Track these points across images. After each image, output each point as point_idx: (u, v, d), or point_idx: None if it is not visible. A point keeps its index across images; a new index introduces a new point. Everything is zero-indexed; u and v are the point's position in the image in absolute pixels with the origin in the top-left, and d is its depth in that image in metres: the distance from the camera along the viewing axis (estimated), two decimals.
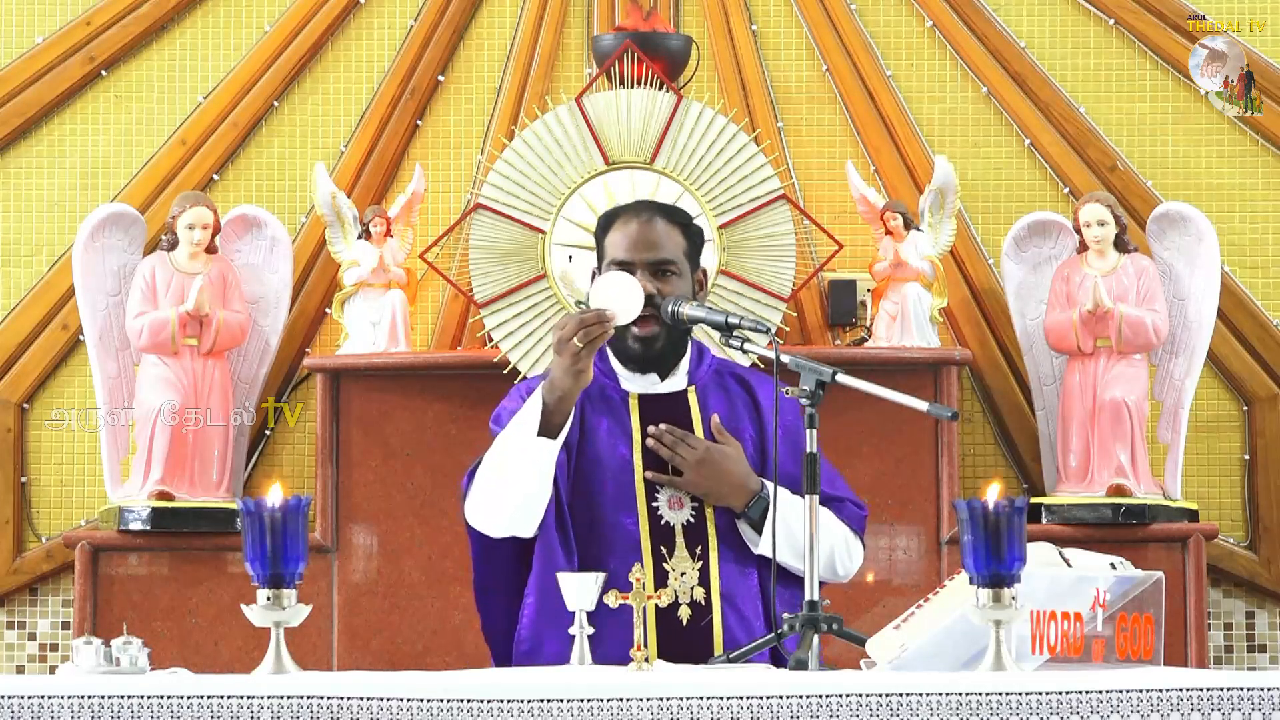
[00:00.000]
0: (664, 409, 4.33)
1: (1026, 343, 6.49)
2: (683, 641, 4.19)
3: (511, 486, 4.16)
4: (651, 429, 4.30)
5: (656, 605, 4.14)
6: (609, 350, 4.36)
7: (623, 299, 4.14)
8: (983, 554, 3.54)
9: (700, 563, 4.27)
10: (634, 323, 4.19)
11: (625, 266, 4.29)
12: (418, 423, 6.37)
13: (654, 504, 4.28)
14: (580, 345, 4.09)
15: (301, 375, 6.58)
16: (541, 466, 4.14)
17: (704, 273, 4.42)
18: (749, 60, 6.63)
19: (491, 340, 6.30)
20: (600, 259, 4.37)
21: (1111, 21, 6.66)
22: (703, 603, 4.25)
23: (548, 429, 4.13)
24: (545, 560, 4.21)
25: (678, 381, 4.38)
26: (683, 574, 4.25)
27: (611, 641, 4.02)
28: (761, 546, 4.28)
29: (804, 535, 4.15)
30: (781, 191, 6.34)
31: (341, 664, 6.29)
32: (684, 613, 4.24)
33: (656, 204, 4.49)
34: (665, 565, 4.25)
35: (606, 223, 4.38)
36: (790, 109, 6.65)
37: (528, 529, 4.21)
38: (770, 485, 4.28)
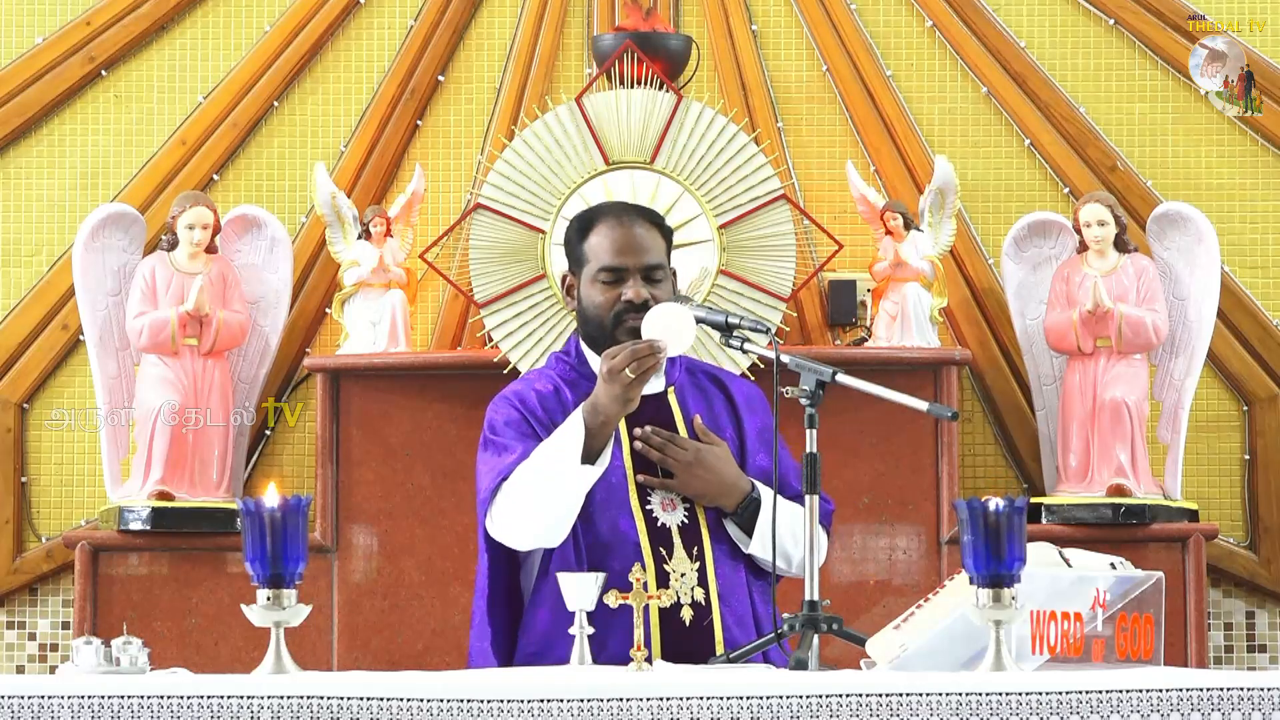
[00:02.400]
0: (647, 411, 4.32)
1: (1026, 343, 6.48)
2: (686, 641, 4.20)
3: (548, 506, 4.16)
4: (638, 431, 4.30)
5: (660, 606, 4.15)
6: (590, 353, 4.36)
7: (675, 330, 4.15)
8: (983, 554, 3.55)
9: (698, 563, 4.27)
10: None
11: (616, 273, 4.28)
12: (418, 423, 6.37)
13: (648, 507, 4.28)
14: (633, 376, 4.10)
15: (301, 375, 6.57)
16: (581, 490, 4.16)
17: (674, 271, 4.42)
18: (749, 60, 6.62)
19: (491, 340, 6.30)
20: (579, 263, 4.35)
21: (1111, 21, 6.66)
22: (704, 603, 4.25)
23: (588, 454, 4.14)
24: (561, 567, 4.20)
25: (657, 383, 4.37)
26: (683, 575, 4.25)
27: (614, 642, 4.02)
28: (752, 547, 4.28)
29: (791, 536, 4.19)
30: (781, 191, 6.33)
31: (341, 664, 6.29)
32: (686, 613, 4.24)
33: (633, 206, 4.49)
34: (666, 567, 4.25)
35: (584, 226, 4.36)
36: (790, 109, 6.65)
37: (557, 541, 4.22)
38: (760, 486, 4.29)
